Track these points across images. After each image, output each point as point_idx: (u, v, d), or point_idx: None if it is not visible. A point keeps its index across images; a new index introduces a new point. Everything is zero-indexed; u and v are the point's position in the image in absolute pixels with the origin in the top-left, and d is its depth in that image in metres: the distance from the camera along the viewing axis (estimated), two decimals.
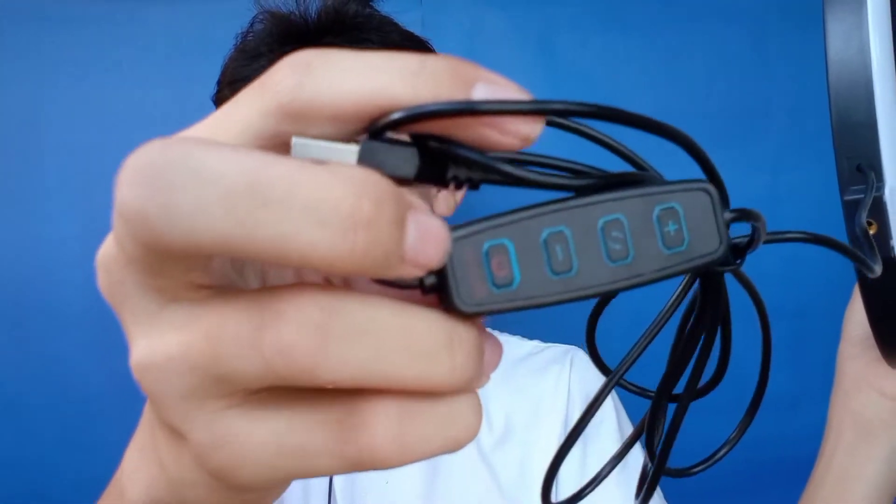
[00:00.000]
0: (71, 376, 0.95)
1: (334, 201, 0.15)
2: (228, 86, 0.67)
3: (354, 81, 0.17)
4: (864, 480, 0.50)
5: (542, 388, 0.69)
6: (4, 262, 0.95)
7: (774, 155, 0.97)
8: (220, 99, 0.69)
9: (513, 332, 0.80)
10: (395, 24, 0.68)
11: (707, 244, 0.20)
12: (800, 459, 0.99)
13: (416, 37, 0.69)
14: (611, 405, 0.69)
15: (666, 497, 0.70)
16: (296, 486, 0.65)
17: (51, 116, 0.95)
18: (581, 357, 0.72)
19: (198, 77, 0.96)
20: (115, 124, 0.95)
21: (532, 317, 0.86)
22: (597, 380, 0.70)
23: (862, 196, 0.32)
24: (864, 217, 0.31)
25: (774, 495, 0.98)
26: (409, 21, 0.97)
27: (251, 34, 0.67)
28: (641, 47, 0.96)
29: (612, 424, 0.67)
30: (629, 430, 0.69)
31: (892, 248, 0.32)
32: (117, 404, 0.95)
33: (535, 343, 0.75)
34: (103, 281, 0.22)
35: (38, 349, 0.95)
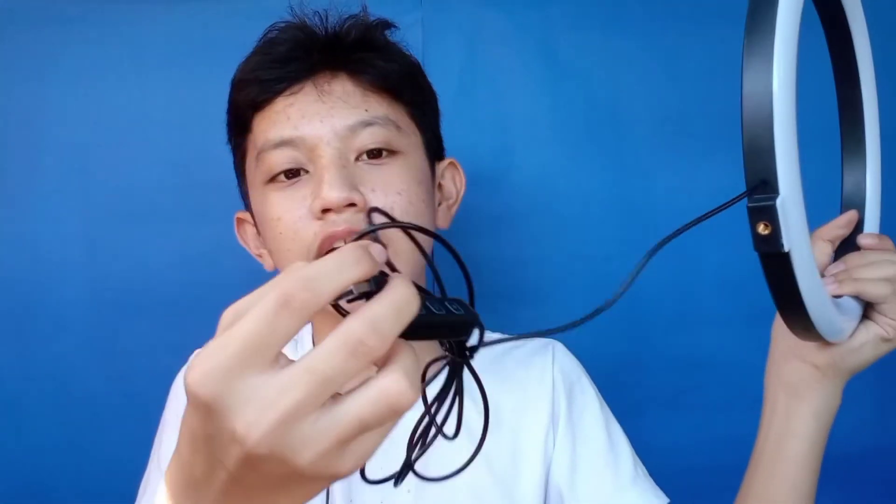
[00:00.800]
0: (71, 376, 0.95)
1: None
2: (257, 84, 0.66)
3: None
4: (797, 437, 0.60)
5: (528, 377, 0.73)
6: (4, 262, 0.95)
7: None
8: (241, 100, 0.68)
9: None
10: (401, 52, 0.71)
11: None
12: None
13: (413, 63, 0.72)
14: (594, 395, 0.73)
15: (666, 495, 0.70)
16: None
17: (51, 116, 0.95)
18: (560, 348, 0.77)
19: (197, 77, 0.96)
20: (115, 124, 0.95)
21: (509, 318, 0.84)
22: (575, 369, 0.75)
23: (763, 203, 0.42)
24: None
25: None
26: (410, 21, 0.97)
27: (277, 38, 0.68)
28: (641, 47, 0.95)
29: (595, 410, 0.72)
30: (610, 417, 0.73)
31: (782, 245, 0.42)
32: (117, 404, 0.95)
33: (515, 336, 0.78)
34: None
35: (38, 349, 0.95)
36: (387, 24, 0.71)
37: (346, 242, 0.58)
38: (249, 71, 0.67)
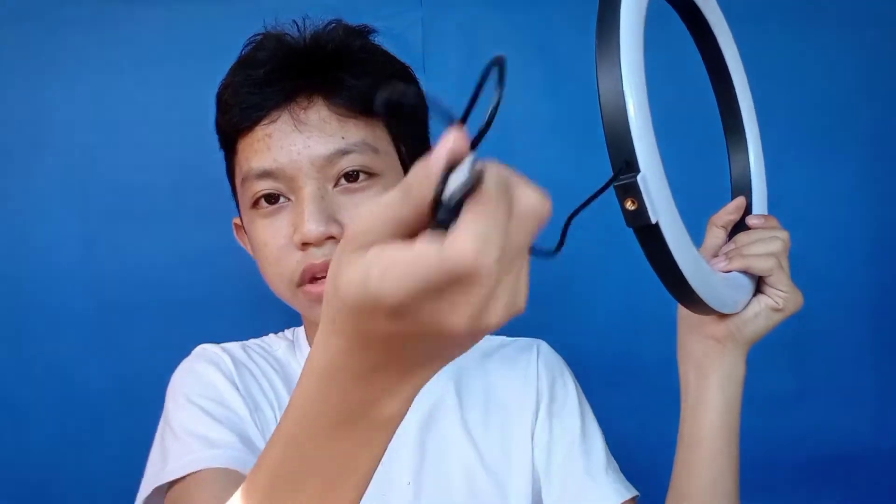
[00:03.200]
0: (71, 376, 0.95)
1: None
2: (238, 109, 0.67)
3: None
4: (709, 405, 0.63)
5: (514, 373, 0.76)
6: (4, 262, 0.95)
7: (774, 155, 0.97)
8: (224, 123, 0.70)
9: None
10: (389, 56, 0.72)
11: None
12: (799, 458, 0.99)
13: (402, 66, 0.73)
14: (573, 389, 0.76)
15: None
16: None
17: (51, 116, 0.95)
18: (545, 347, 0.80)
19: (197, 77, 0.95)
20: (114, 124, 0.95)
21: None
22: (558, 364, 0.78)
23: (627, 181, 0.48)
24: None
25: (773, 494, 0.98)
26: (409, 22, 0.97)
27: (256, 56, 0.69)
28: None
29: (574, 403, 0.75)
30: (588, 412, 0.76)
31: (649, 217, 0.47)
32: (117, 404, 0.95)
33: (503, 338, 0.82)
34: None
35: (38, 349, 0.95)
36: (367, 31, 0.71)
37: (326, 274, 0.60)
38: (231, 94, 0.69)
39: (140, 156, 0.95)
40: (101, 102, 0.95)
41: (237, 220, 0.75)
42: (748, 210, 0.66)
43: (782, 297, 0.61)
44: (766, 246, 0.61)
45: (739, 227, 0.65)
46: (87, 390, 0.95)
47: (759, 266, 0.61)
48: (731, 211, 0.66)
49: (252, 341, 0.77)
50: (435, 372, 0.34)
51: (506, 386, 0.75)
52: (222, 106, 0.70)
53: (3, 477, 0.95)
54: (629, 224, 0.49)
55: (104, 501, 0.94)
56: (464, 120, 0.30)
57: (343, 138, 0.65)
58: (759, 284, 0.62)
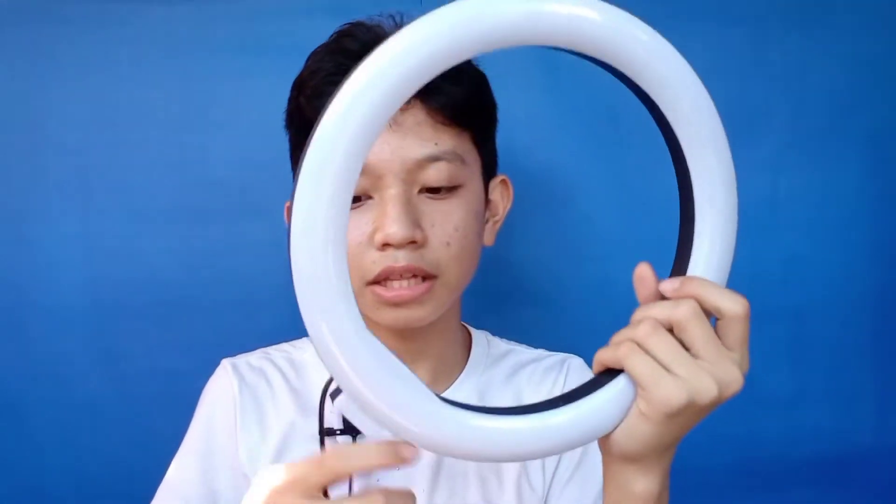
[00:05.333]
0: (71, 376, 0.95)
1: None
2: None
3: None
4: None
5: (539, 391, 0.75)
6: (4, 262, 0.95)
7: (774, 155, 0.97)
8: (312, 110, 0.66)
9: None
10: (473, 64, 0.71)
11: None
12: (798, 459, 0.99)
13: (483, 75, 0.73)
14: None
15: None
16: None
17: (51, 116, 0.95)
18: (577, 364, 0.78)
19: (198, 77, 0.96)
20: (114, 124, 0.95)
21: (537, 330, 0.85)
22: None
23: None
24: None
25: (773, 495, 0.98)
26: (410, 21, 0.97)
27: (348, 46, 0.67)
28: None
29: None
30: (594, 446, 0.71)
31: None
32: (117, 404, 0.95)
33: (540, 351, 0.80)
34: None
35: (38, 349, 0.95)
36: None
37: (401, 276, 0.65)
38: (323, 81, 0.66)
39: (140, 156, 0.95)
40: (101, 102, 0.95)
41: (290, 203, 0.74)
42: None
43: (646, 398, 0.46)
44: (624, 333, 0.48)
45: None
46: (87, 390, 0.95)
47: (609, 361, 0.48)
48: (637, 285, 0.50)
49: (278, 348, 0.79)
50: None
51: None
52: (310, 90, 0.67)
53: (3, 477, 0.95)
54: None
55: (104, 501, 0.94)
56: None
57: (436, 144, 0.66)
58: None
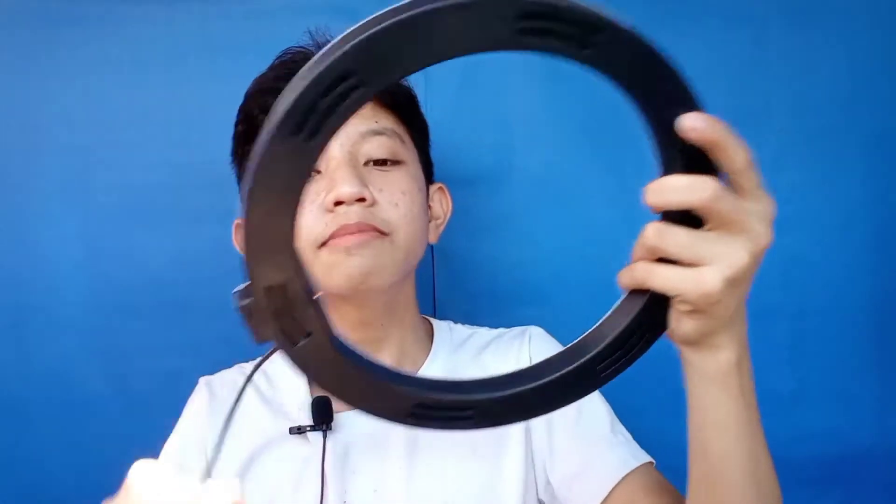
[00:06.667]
0: (71, 376, 0.95)
1: None
2: (276, 94, 0.68)
3: None
4: (690, 406, 0.51)
5: (507, 362, 0.77)
6: (4, 262, 0.95)
7: (774, 155, 0.97)
8: (254, 107, 0.74)
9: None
10: (405, 83, 0.77)
11: None
12: (799, 459, 0.99)
13: (413, 94, 0.79)
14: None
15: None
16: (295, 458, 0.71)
17: (51, 116, 0.95)
18: (537, 331, 0.80)
19: (197, 77, 0.96)
20: (115, 124, 0.95)
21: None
22: (551, 346, 0.78)
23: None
24: None
25: None
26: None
27: (296, 59, 0.73)
28: None
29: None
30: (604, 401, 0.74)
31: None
32: (117, 404, 0.95)
33: (500, 330, 0.83)
34: None
35: (38, 349, 0.95)
36: None
37: (352, 236, 0.67)
38: (268, 82, 0.73)
39: (140, 156, 0.95)
40: (101, 102, 0.95)
41: (240, 221, 0.76)
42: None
43: (683, 301, 0.43)
44: (637, 246, 0.46)
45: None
46: (87, 390, 0.95)
47: (637, 282, 0.46)
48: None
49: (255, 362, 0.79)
50: None
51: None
52: (256, 94, 0.74)
53: (3, 477, 0.95)
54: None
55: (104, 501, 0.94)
56: None
57: (376, 122, 0.72)
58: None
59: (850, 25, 0.98)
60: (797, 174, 0.97)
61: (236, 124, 0.76)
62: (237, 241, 0.77)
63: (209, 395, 0.76)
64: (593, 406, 0.73)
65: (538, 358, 0.73)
